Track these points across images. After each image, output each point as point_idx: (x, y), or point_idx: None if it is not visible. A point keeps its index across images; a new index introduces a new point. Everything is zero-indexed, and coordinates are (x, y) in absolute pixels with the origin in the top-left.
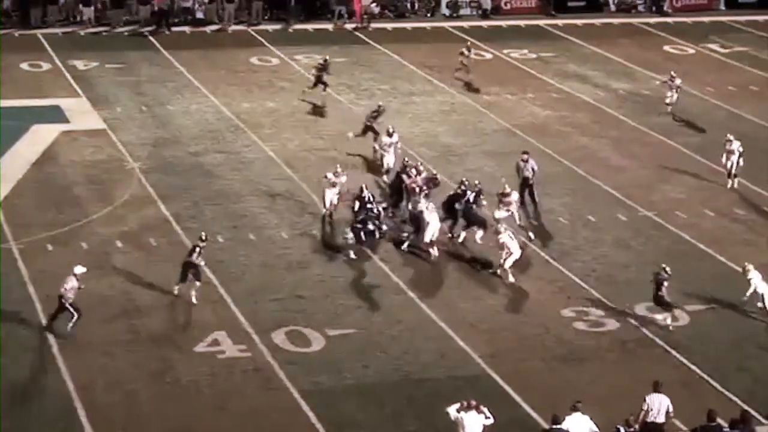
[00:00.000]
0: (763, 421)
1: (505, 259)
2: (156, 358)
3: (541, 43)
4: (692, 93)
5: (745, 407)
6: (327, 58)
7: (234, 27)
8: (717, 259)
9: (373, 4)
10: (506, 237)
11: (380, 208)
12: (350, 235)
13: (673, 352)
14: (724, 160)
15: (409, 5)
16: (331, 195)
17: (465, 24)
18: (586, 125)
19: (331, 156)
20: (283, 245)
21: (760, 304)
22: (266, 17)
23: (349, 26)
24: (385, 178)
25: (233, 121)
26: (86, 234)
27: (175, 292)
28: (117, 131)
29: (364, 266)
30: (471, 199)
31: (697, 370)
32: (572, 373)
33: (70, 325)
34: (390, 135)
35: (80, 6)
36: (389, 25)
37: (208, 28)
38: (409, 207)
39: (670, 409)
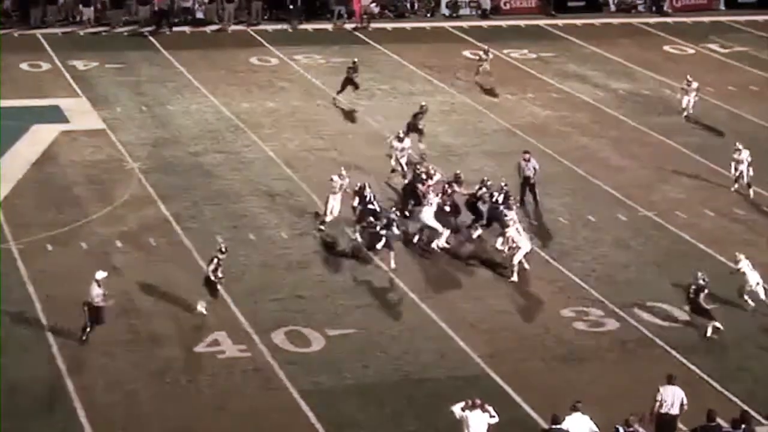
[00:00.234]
0: (763, 421)
1: (512, 255)
2: (156, 358)
3: (541, 43)
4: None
5: (745, 407)
6: (356, 60)
7: (234, 27)
8: (717, 259)
9: (373, 4)
10: (513, 231)
11: (392, 216)
12: (357, 235)
13: (673, 352)
14: (732, 169)
15: (408, 5)
16: (333, 202)
17: (465, 24)
18: (586, 125)
19: (331, 156)
20: (283, 245)
21: (749, 291)
22: (266, 17)
23: (348, 26)
24: (405, 180)
25: (233, 121)
26: (86, 234)
27: (203, 311)
28: (117, 131)
29: (364, 266)
30: (500, 200)
31: (697, 370)
32: (572, 373)
33: (85, 334)
34: (400, 140)
35: (80, 6)
36: (389, 25)
37: (208, 28)
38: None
39: (684, 402)
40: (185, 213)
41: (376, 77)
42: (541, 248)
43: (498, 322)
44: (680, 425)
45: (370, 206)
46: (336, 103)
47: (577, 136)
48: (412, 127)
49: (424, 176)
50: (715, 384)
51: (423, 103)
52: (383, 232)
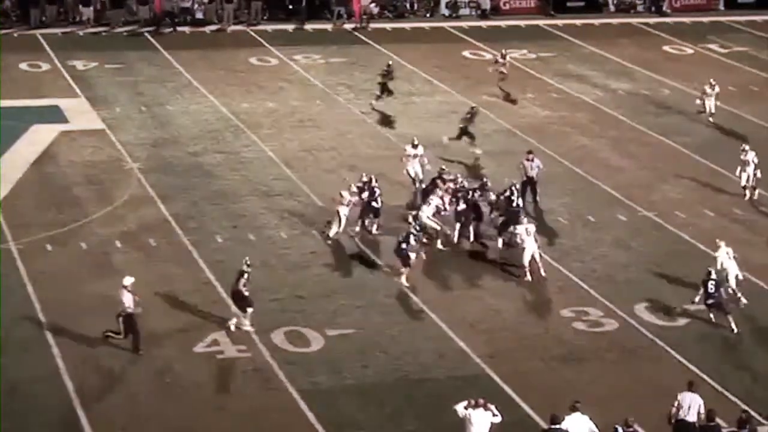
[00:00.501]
0: (763, 421)
1: (522, 256)
2: (156, 358)
3: (540, 44)
4: (692, 93)
5: (745, 407)
6: (390, 63)
7: (233, 27)
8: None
9: (372, 5)
10: (522, 229)
11: (411, 230)
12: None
13: (673, 352)
14: (738, 171)
15: (408, 5)
16: (345, 211)
17: (464, 24)
18: (586, 125)
19: (331, 156)
20: (282, 245)
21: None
22: (265, 17)
23: (348, 26)
24: (417, 185)
25: (232, 121)
26: (86, 234)
27: (232, 327)
28: (116, 131)
29: (364, 266)
30: (516, 201)
31: (697, 371)
32: (572, 373)
33: (111, 334)
34: (414, 146)
35: (80, 6)
36: (388, 26)
37: (208, 28)
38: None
39: (702, 410)
40: (185, 213)
41: (375, 77)
42: (541, 248)
43: (498, 322)
44: None
45: (374, 203)
46: (374, 107)
47: (576, 136)
48: (464, 131)
49: (444, 179)
50: (715, 384)
51: (473, 105)
52: (404, 246)
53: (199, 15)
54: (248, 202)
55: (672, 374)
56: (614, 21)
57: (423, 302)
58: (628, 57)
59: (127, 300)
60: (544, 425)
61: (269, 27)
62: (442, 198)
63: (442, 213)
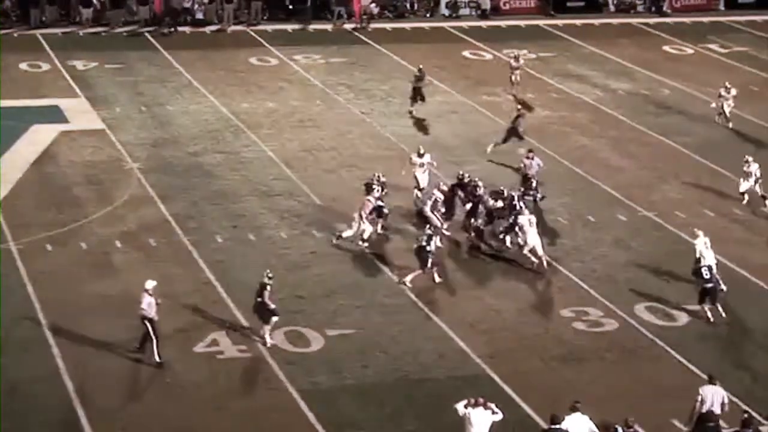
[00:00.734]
0: (763, 422)
1: (528, 249)
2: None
3: (540, 44)
4: (692, 93)
5: (745, 407)
6: (421, 67)
7: (233, 27)
8: (716, 259)
9: (372, 5)
10: (524, 220)
11: (428, 231)
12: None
13: (673, 352)
14: (742, 181)
15: (408, 5)
16: (364, 223)
17: (464, 24)
18: (586, 125)
19: (331, 156)
20: (282, 245)
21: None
22: (265, 17)
23: (348, 26)
24: (418, 194)
25: (232, 121)
26: (85, 234)
27: (268, 341)
28: (116, 131)
29: (364, 267)
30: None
31: (697, 371)
32: (572, 373)
33: (156, 353)
34: (420, 155)
35: (80, 7)
36: (388, 26)
37: (208, 29)
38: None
39: (725, 401)
40: (185, 213)
41: (375, 77)
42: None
43: (498, 322)
44: (679, 425)
45: (379, 202)
46: (414, 113)
47: (576, 136)
48: (513, 132)
49: (464, 185)
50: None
51: (519, 107)
52: (428, 248)
53: (199, 15)
54: (248, 202)
55: (672, 374)
56: (614, 21)
57: (423, 302)
58: (628, 57)
59: (146, 303)
60: (544, 425)
61: (269, 27)
62: (442, 191)
63: (440, 207)
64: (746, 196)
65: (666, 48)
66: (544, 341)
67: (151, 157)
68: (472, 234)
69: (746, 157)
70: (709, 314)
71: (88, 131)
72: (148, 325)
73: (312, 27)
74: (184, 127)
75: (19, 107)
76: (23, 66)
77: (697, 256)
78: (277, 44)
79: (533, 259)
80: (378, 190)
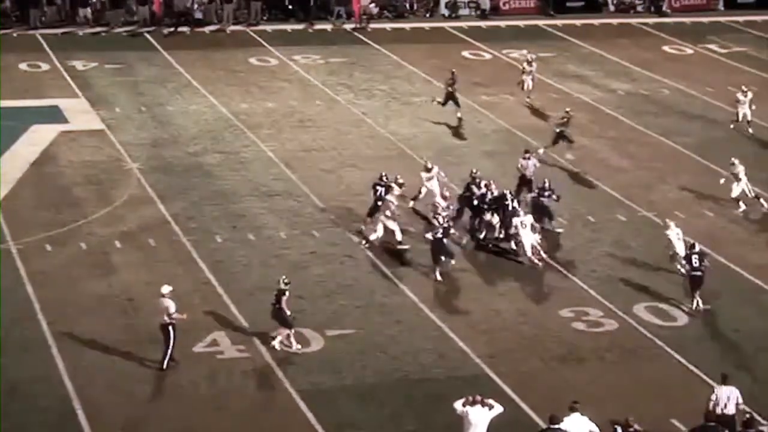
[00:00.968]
0: (763, 422)
1: (523, 249)
2: (156, 358)
3: (540, 44)
4: (692, 93)
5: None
6: (454, 71)
7: (233, 27)
8: (716, 258)
9: (372, 5)
10: (517, 222)
11: (448, 224)
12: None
13: (673, 352)
14: (733, 186)
15: (407, 5)
16: (389, 224)
17: (464, 24)
18: (585, 125)
19: (330, 156)
20: (282, 245)
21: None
22: (264, 17)
23: (348, 26)
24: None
25: (232, 121)
26: (85, 234)
27: (294, 345)
28: (116, 131)
29: (364, 267)
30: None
31: (697, 371)
32: (571, 373)
33: (165, 360)
34: (428, 170)
35: (79, 7)
36: (388, 26)
37: (207, 29)
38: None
39: (740, 400)
40: (184, 213)
41: (375, 77)
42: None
43: (497, 322)
44: (679, 425)
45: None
46: (461, 118)
47: (576, 136)
48: (561, 136)
49: (478, 185)
50: (714, 384)
51: (567, 109)
52: (445, 240)
53: (199, 15)
54: (248, 202)
55: (672, 374)
56: (614, 21)
57: (423, 302)
58: (627, 57)
59: (170, 307)
60: (544, 425)
61: (269, 27)
62: (444, 196)
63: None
64: (741, 204)
65: (665, 48)
66: (544, 341)
67: (151, 157)
68: (484, 232)
69: (732, 159)
70: (700, 303)
71: (87, 131)
72: (171, 331)
73: (311, 27)
74: (184, 127)
75: (19, 107)
76: (23, 66)
77: (666, 244)
78: (276, 44)
79: (534, 259)
80: (396, 190)
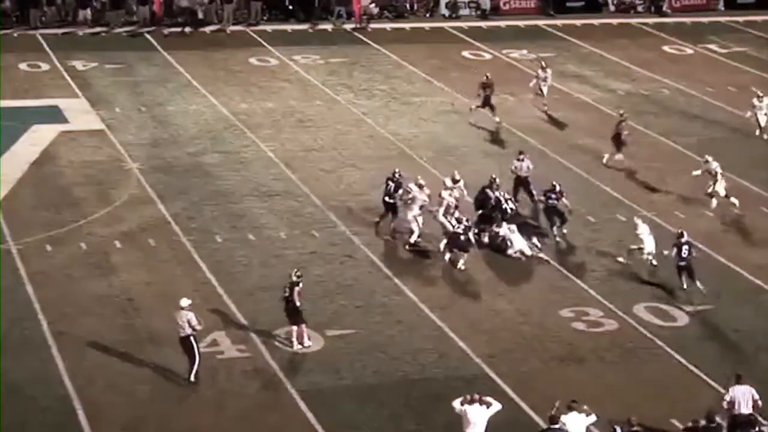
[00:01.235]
0: (764, 422)
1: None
2: (156, 358)
3: (540, 44)
4: (692, 93)
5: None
6: (488, 75)
7: (233, 27)
8: (716, 258)
9: (372, 5)
10: (504, 230)
11: (466, 224)
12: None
13: (673, 352)
14: (710, 182)
15: (408, 6)
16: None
17: (464, 24)
18: (586, 125)
19: (330, 156)
20: (282, 245)
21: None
22: (265, 18)
23: (348, 26)
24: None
25: (232, 121)
26: (85, 234)
27: (306, 342)
28: (116, 131)
29: (364, 267)
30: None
31: (697, 371)
32: (571, 373)
33: (192, 373)
34: (455, 182)
35: (79, 9)
36: (388, 26)
37: (207, 29)
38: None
39: (756, 398)
40: (184, 213)
41: (375, 77)
42: (541, 248)
43: (497, 322)
44: (679, 425)
45: (387, 198)
46: (499, 123)
47: (576, 136)
48: (617, 138)
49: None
50: (714, 384)
51: (621, 111)
52: (462, 236)
53: (199, 15)
54: (248, 202)
55: (672, 374)
56: (614, 21)
57: (423, 302)
58: (627, 57)
59: (194, 318)
60: (544, 425)
61: (269, 27)
62: (455, 197)
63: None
64: (733, 199)
65: (665, 48)
66: (544, 341)
67: (151, 157)
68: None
69: (705, 156)
70: (700, 285)
71: (87, 131)
72: (194, 342)
73: (311, 27)
74: (184, 127)
75: (19, 107)
76: (23, 66)
77: (646, 247)
78: (276, 44)
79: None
80: (426, 189)
